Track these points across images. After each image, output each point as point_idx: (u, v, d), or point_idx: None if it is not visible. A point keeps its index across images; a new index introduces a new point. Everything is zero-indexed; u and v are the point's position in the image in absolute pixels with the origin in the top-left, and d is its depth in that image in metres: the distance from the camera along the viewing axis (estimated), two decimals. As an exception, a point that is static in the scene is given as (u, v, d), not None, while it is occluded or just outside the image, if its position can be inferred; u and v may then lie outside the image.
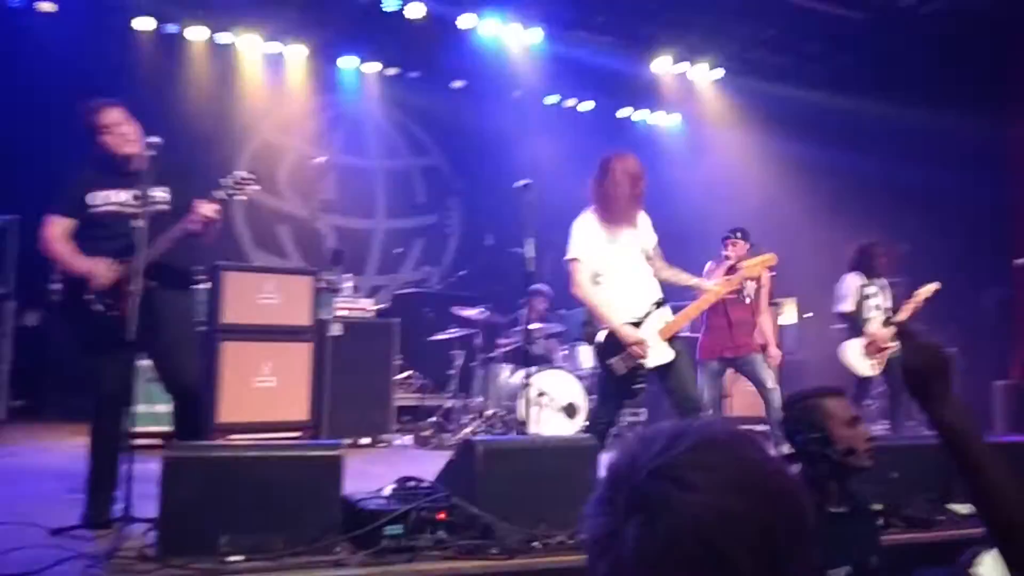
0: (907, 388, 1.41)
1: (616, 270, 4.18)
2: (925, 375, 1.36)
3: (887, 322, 6.04)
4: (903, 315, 5.98)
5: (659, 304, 4.20)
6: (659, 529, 0.77)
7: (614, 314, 4.10)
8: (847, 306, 6.15)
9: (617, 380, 4.13)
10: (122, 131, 3.68)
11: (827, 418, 2.33)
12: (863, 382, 6.16)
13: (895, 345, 5.83)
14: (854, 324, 6.12)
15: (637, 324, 4.13)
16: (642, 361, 4.07)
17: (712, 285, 4.30)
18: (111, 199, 3.70)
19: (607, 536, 0.80)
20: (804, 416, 2.36)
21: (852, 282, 6.19)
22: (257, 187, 3.80)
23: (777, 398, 5.36)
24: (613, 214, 4.17)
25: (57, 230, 3.67)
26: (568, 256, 4.22)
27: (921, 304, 6.02)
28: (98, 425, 3.72)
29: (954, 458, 1.32)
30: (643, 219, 4.35)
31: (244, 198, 3.75)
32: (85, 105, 3.75)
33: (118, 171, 3.71)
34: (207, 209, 3.58)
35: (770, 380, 5.51)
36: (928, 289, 6.04)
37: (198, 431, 3.83)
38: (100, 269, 3.57)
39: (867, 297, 6.19)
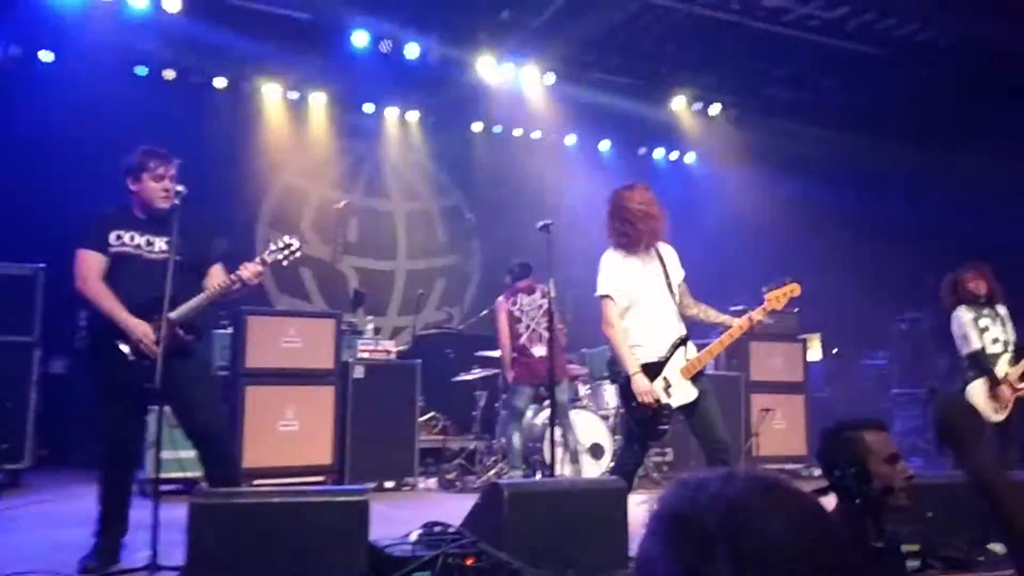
0: (939, 440, 1.44)
1: (642, 305, 4.13)
2: (956, 427, 1.46)
3: (1015, 360, 5.54)
4: None
5: (683, 341, 4.14)
6: (747, 554, 0.81)
7: (635, 358, 4.05)
8: (973, 345, 5.59)
9: (642, 422, 4.07)
10: (166, 186, 3.76)
11: (866, 453, 2.28)
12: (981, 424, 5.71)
13: None
14: (981, 364, 5.56)
15: (662, 364, 4.08)
16: (667, 402, 4.02)
17: (739, 321, 4.25)
18: (129, 241, 3.76)
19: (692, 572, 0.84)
20: (842, 449, 2.31)
21: (965, 317, 5.64)
22: (299, 254, 3.84)
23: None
24: (631, 246, 4.14)
25: (92, 269, 3.70)
26: (599, 293, 4.17)
27: None
28: (109, 472, 3.77)
29: (986, 499, 1.39)
30: (670, 253, 4.31)
31: (286, 264, 3.82)
32: (147, 148, 3.84)
33: (141, 216, 3.80)
34: (251, 273, 3.65)
35: None
36: None
37: (230, 478, 3.81)
38: (139, 331, 3.57)
39: (984, 330, 5.64)
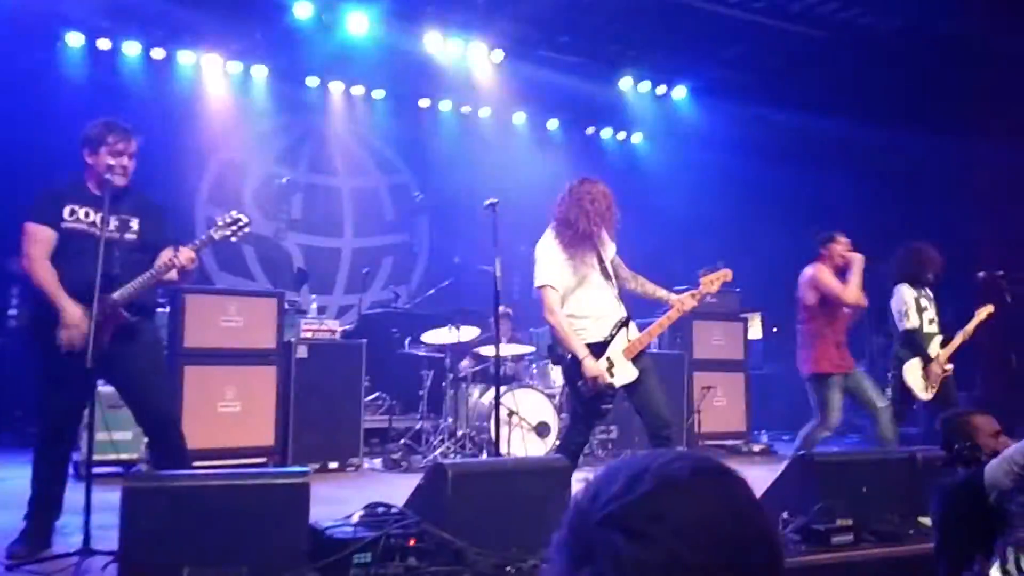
0: None
1: (581, 292, 4.19)
2: None
3: (945, 343, 5.65)
4: (959, 339, 5.65)
5: (624, 323, 4.22)
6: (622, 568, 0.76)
7: (580, 340, 4.11)
8: (911, 323, 5.61)
9: (586, 401, 4.13)
10: (124, 162, 3.63)
11: (976, 430, 2.96)
12: (909, 401, 5.69)
13: (951, 368, 5.58)
14: (916, 342, 5.62)
15: (605, 344, 4.14)
16: (610, 381, 4.09)
17: (678, 300, 4.33)
18: (84, 218, 3.62)
19: None
20: (958, 429, 2.99)
21: (908, 295, 5.67)
22: (247, 230, 3.72)
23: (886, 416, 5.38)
24: (577, 238, 4.16)
25: (41, 246, 3.55)
26: (538, 283, 4.20)
27: (972, 330, 5.66)
28: (44, 452, 3.66)
29: None
30: (603, 234, 4.35)
31: (235, 239, 3.69)
32: (108, 120, 3.69)
33: (96, 192, 3.64)
34: (185, 259, 3.53)
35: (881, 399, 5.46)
36: (984, 311, 5.70)
37: (180, 462, 3.70)
38: (76, 320, 3.43)
39: (923, 310, 5.69)
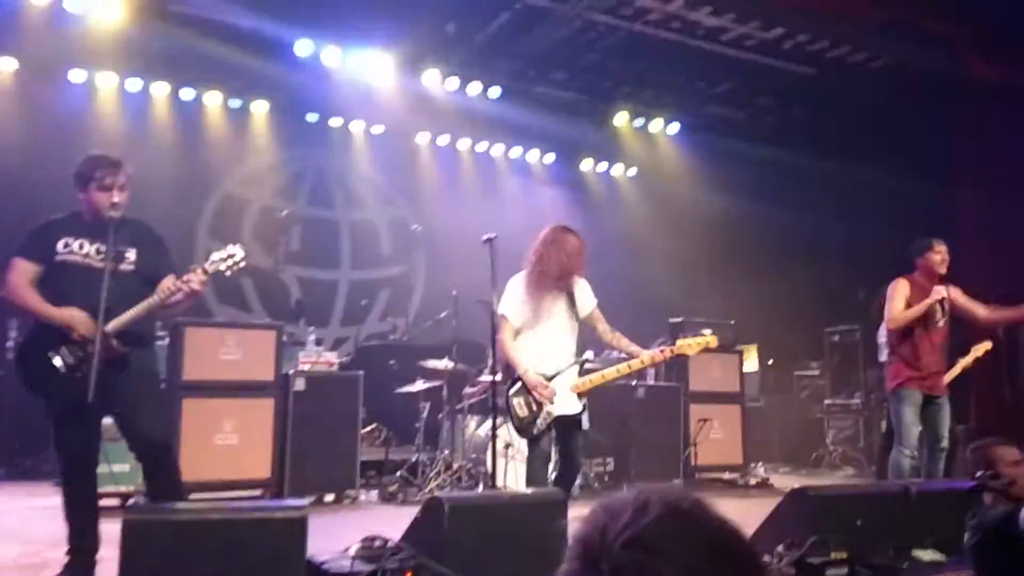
0: None
1: (537, 330, 4.43)
2: None
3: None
4: (956, 371, 5.62)
5: (582, 363, 4.46)
6: None
7: (525, 363, 4.34)
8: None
9: (520, 428, 4.33)
10: (112, 197, 3.63)
11: (996, 459, 3.07)
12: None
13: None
14: None
15: (554, 376, 4.34)
16: (549, 409, 4.27)
17: (647, 354, 4.46)
18: (78, 249, 3.63)
19: None
20: (981, 457, 3.13)
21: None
22: (243, 264, 3.73)
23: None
24: (542, 282, 4.42)
25: (22, 276, 3.58)
26: (499, 311, 4.47)
27: (971, 364, 5.66)
28: (69, 488, 3.66)
29: None
30: (582, 285, 4.57)
31: (229, 274, 3.71)
32: (95, 155, 3.72)
33: (92, 223, 3.66)
34: (197, 283, 3.53)
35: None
36: (982, 348, 5.71)
37: (173, 492, 3.68)
38: (78, 318, 3.45)
39: None
